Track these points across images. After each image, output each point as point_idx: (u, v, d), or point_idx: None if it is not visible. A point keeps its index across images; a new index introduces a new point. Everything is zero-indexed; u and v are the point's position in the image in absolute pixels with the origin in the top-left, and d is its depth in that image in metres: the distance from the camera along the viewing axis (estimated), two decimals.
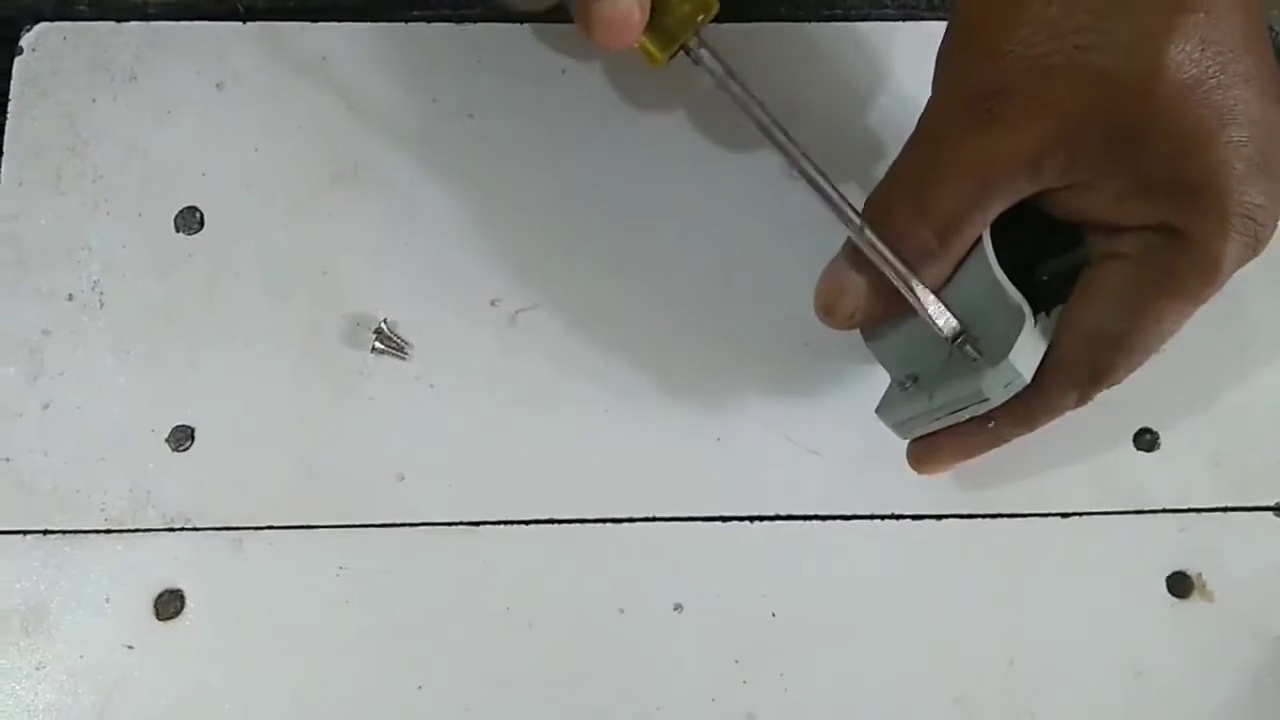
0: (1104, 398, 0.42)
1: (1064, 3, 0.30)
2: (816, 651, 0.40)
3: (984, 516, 0.41)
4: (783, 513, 0.41)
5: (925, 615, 0.40)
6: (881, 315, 0.36)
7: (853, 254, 0.35)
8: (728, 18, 0.46)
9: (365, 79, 0.45)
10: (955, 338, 0.34)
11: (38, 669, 0.39)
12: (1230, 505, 0.41)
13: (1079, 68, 0.30)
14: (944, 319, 0.34)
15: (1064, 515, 0.41)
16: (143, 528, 0.40)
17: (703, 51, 0.34)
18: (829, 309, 0.36)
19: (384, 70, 0.45)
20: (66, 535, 0.40)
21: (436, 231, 0.43)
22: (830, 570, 0.41)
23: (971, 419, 0.35)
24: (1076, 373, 0.34)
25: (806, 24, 0.46)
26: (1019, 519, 0.41)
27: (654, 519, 0.41)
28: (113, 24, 0.45)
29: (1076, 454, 0.42)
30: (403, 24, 0.45)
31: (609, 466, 0.41)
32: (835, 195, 0.33)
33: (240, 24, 0.45)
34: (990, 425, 0.35)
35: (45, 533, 0.40)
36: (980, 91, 0.31)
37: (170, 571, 0.40)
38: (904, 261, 0.33)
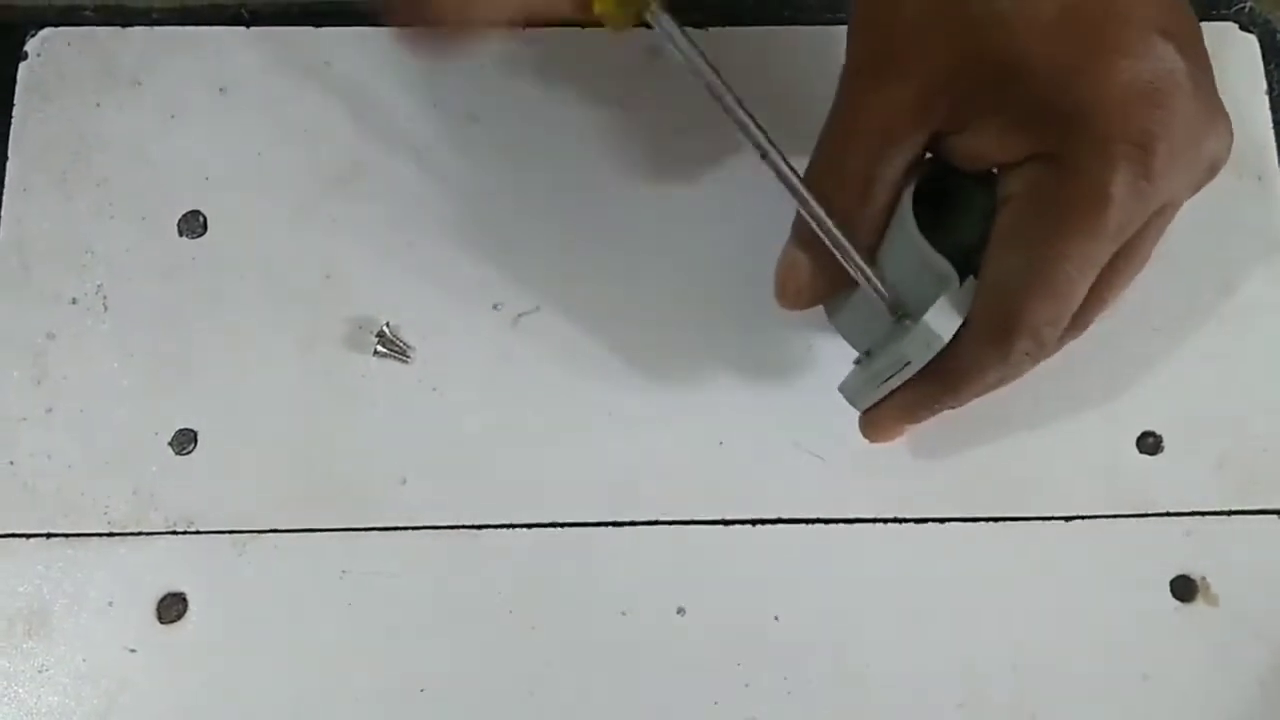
0: (1107, 401, 0.42)
1: None
2: (819, 655, 0.40)
3: (987, 520, 0.41)
4: (785, 516, 0.41)
5: (929, 619, 0.40)
6: (829, 292, 0.37)
7: (799, 235, 0.36)
8: (729, 21, 0.46)
9: (368, 83, 0.45)
10: (894, 309, 0.35)
11: (40, 672, 0.39)
12: (1235, 508, 0.41)
13: (953, 17, 0.31)
14: (881, 289, 0.35)
15: (1067, 519, 0.41)
16: (145, 531, 0.40)
17: (661, 15, 0.33)
18: (780, 289, 0.37)
19: (386, 74, 0.45)
20: (69, 538, 0.40)
21: (438, 235, 0.43)
22: (833, 574, 0.41)
23: (905, 382, 0.36)
24: (987, 327, 0.33)
25: (808, 27, 0.46)
26: (1022, 522, 0.41)
27: (656, 522, 0.41)
28: (117, 29, 0.45)
29: (1080, 457, 0.42)
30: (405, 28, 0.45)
31: (611, 470, 0.41)
32: (786, 168, 0.33)
33: (244, 29, 0.45)
34: (918, 382, 0.35)
35: (48, 536, 0.40)
36: (870, 54, 0.33)
37: (173, 575, 0.40)
38: (840, 230, 0.34)
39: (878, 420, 0.38)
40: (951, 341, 0.33)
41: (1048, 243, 0.31)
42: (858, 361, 0.39)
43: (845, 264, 0.34)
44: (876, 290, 0.35)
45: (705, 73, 0.34)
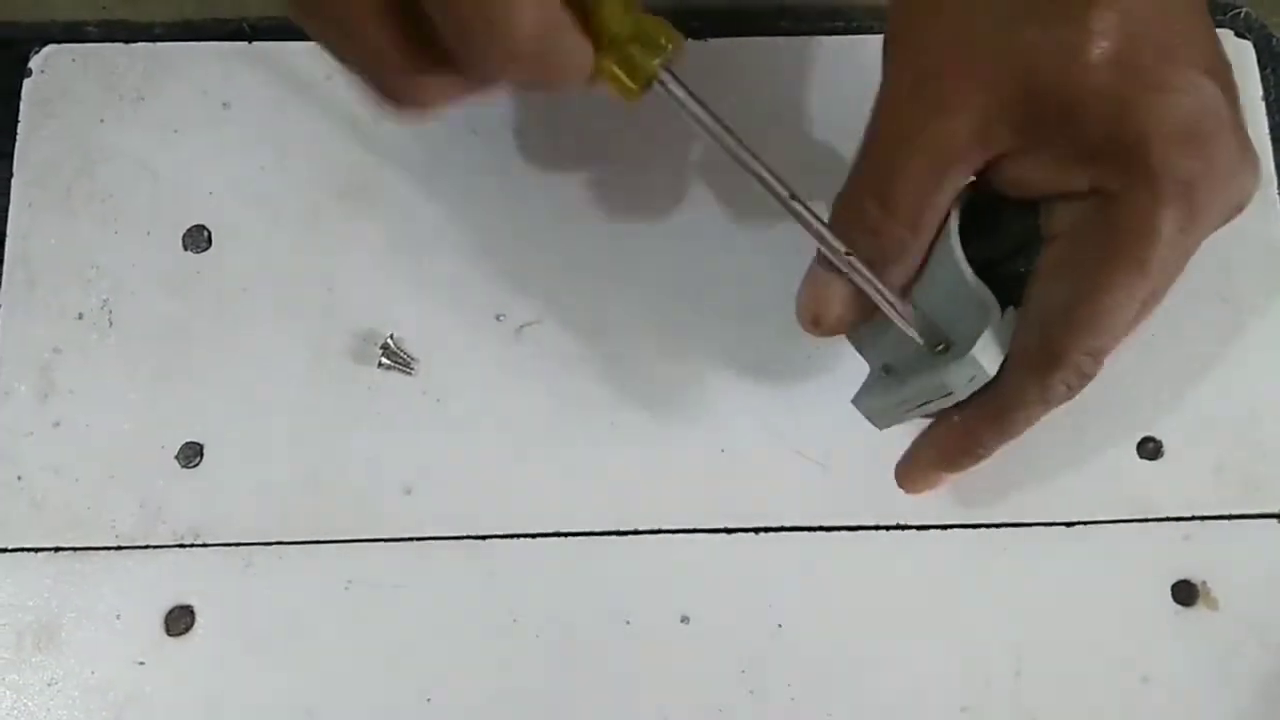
0: (1107, 406, 0.42)
1: None
2: (823, 662, 0.40)
3: (989, 526, 0.41)
4: (788, 524, 0.41)
5: (931, 625, 0.40)
6: (859, 318, 0.36)
7: (826, 260, 0.35)
8: (729, 32, 0.46)
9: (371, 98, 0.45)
10: (929, 338, 0.34)
11: (49, 685, 0.39)
12: (1234, 513, 0.42)
13: (1006, 43, 0.31)
14: (919, 330, 0.34)
15: (1069, 524, 0.41)
16: (153, 544, 0.41)
17: (672, 84, 0.33)
18: (816, 319, 0.36)
19: None
20: (77, 552, 0.41)
21: (441, 247, 0.43)
22: (836, 581, 0.41)
23: (941, 412, 0.35)
24: (1033, 360, 0.33)
25: (807, 37, 0.47)
26: (1024, 528, 0.41)
27: (660, 531, 0.41)
28: (121, 46, 0.46)
29: (1080, 463, 0.42)
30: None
31: (615, 479, 0.42)
32: (810, 217, 0.33)
33: (246, 44, 0.46)
34: (956, 420, 0.35)
35: (56, 550, 0.41)
36: (919, 80, 0.32)
37: (180, 587, 0.40)
38: (881, 262, 0.33)
39: (917, 471, 0.38)
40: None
41: (1097, 279, 0.32)
42: (875, 375, 0.38)
43: (879, 302, 0.34)
44: (911, 326, 0.34)
45: (720, 134, 0.33)
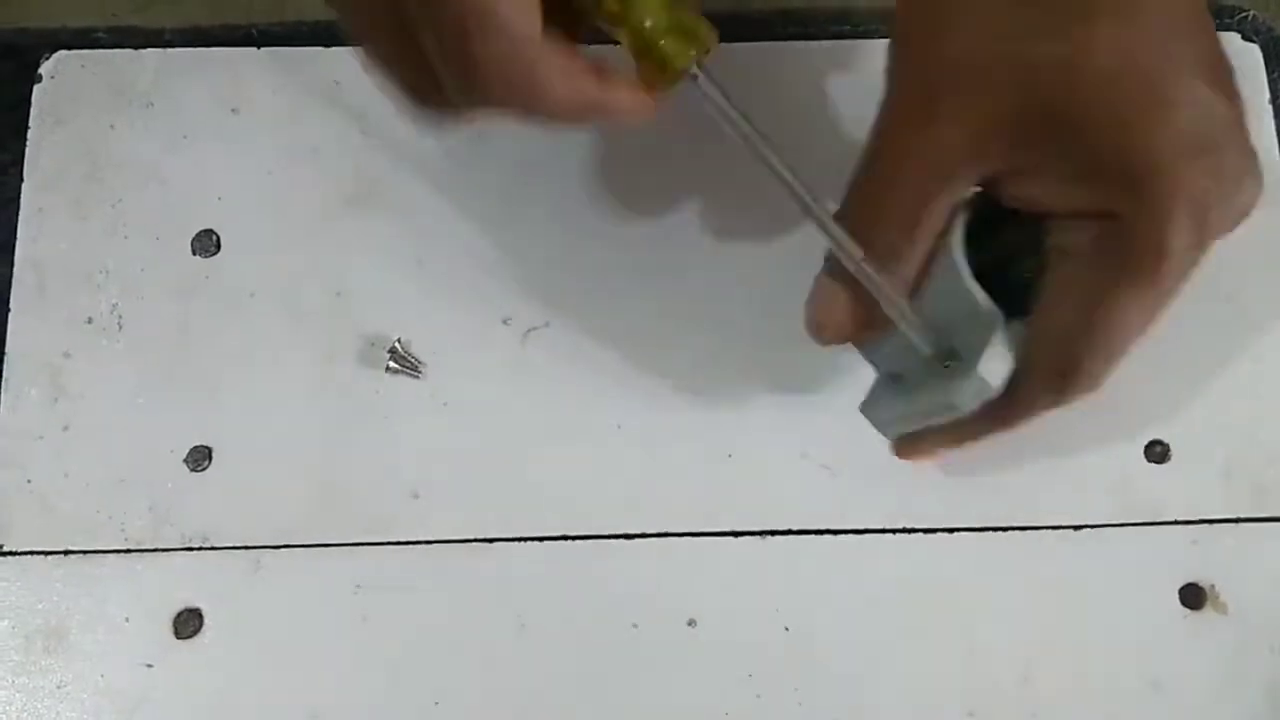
0: (1114, 410, 0.42)
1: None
2: (830, 665, 0.40)
3: (996, 529, 0.41)
4: (795, 527, 0.41)
5: (938, 628, 0.40)
6: (870, 327, 0.36)
7: (837, 268, 0.35)
8: (738, 38, 0.46)
9: (377, 102, 0.45)
10: (937, 350, 0.34)
11: (59, 688, 0.40)
12: (1243, 516, 0.41)
13: (1008, 56, 0.31)
14: (928, 341, 0.34)
15: (1076, 528, 0.41)
16: (161, 547, 0.41)
17: (703, 80, 0.33)
18: (820, 327, 0.36)
19: None
20: (87, 555, 0.41)
21: (449, 252, 0.44)
22: (843, 584, 0.41)
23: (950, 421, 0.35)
24: (1045, 375, 0.33)
25: (817, 42, 0.47)
26: (1031, 531, 0.41)
27: (667, 534, 0.41)
28: (130, 52, 0.46)
29: (1088, 466, 0.42)
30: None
31: (622, 483, 0.42)
32: (833, 227, 0.33)
33: (254, 50, 0.46)
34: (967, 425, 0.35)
35: (66, 553, 0.41)
36: (920, 92, 0.32)
37: (189, 591, 0.41)
38: (881, 273, 0.33)
39: (919, 446, 0.38)
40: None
41: (1109, 294, 0.32)
42: (883, 383, 0.38)
43: (892, 315, 0.34)
44: (922, 337, 0.34)
45: (749, 135, 0.34)
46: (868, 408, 0.38)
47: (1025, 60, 0.31)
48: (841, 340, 0.36)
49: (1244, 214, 0.33)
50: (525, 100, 0.30)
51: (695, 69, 0.32)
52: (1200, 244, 0.31)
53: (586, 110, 0.31)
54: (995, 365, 0.33)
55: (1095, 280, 0.32)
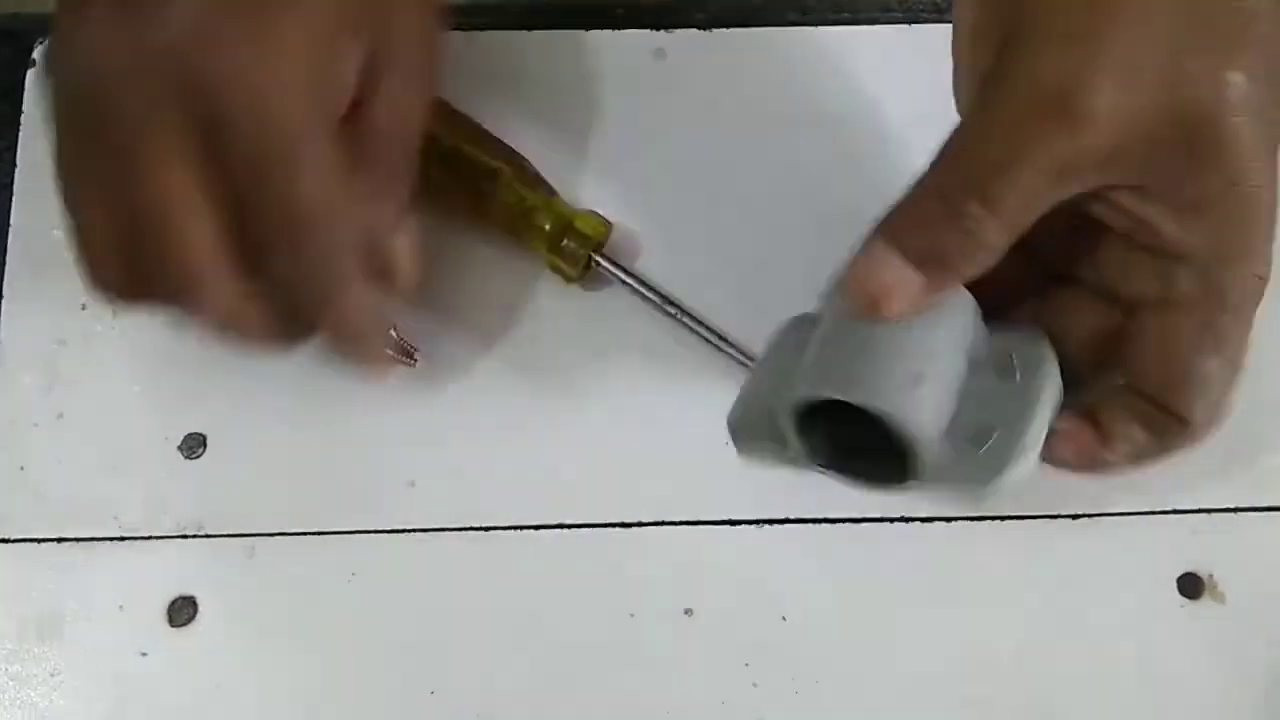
0: None
1: (1163, 4, 0.30)
2: (827, 654, 0.40)
3: (993, 519, 0.41)
4: (792, 516, 0.41)
5: (936, 617, 0.40)
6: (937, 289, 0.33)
7: (893, 232, 0.32)
8: (737, 23, 0.46)
9: None
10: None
11: (52, 676, 0.39)
12: (1241, 506, 0.41)
13: (1168, 65, 0.30)
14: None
15: (1074, 517, 0.41)
16: (155, 535, 0.41)
17: (608, 266, 0.42)
18: (876, 303, 0.32)
19: None
20: (80, 543, 0.41)
21: (444, 236, 0.43)
22: (840, 573, 0.41)
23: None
24: (1202, 421, 0.34)
25: (815, 28, 0.46)
26: (1028, 520, 0.41)
27: (664, 523, 0.41)
28: None
29: None
30: None
31: (619, 471, 0.42)
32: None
33: None
34: None
35: (59, 540, 0.41)
36: (1058, 85, 0.30)
37: (183, 578, 0.40)
38: (967, 261, 0.32)
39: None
40: None
41: (1225, 333, 0.33)
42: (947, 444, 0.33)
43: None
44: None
45: (660, 304, 0.42)
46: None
47: (1185, 73, 0.30)
48: (914, 308, 0.33)
49: None
50: (318, 285, 0.33)
51: (595, 263, 0.42)
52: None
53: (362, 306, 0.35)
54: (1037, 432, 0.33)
55: (1211, 320, 0.33)
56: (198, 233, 0.31)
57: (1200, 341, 0.33)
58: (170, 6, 0.30)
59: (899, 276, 0.32)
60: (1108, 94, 0.30)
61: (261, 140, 0.30)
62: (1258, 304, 0.33)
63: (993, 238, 0.31)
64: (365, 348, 0.37)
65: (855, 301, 0.33)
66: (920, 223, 0.32)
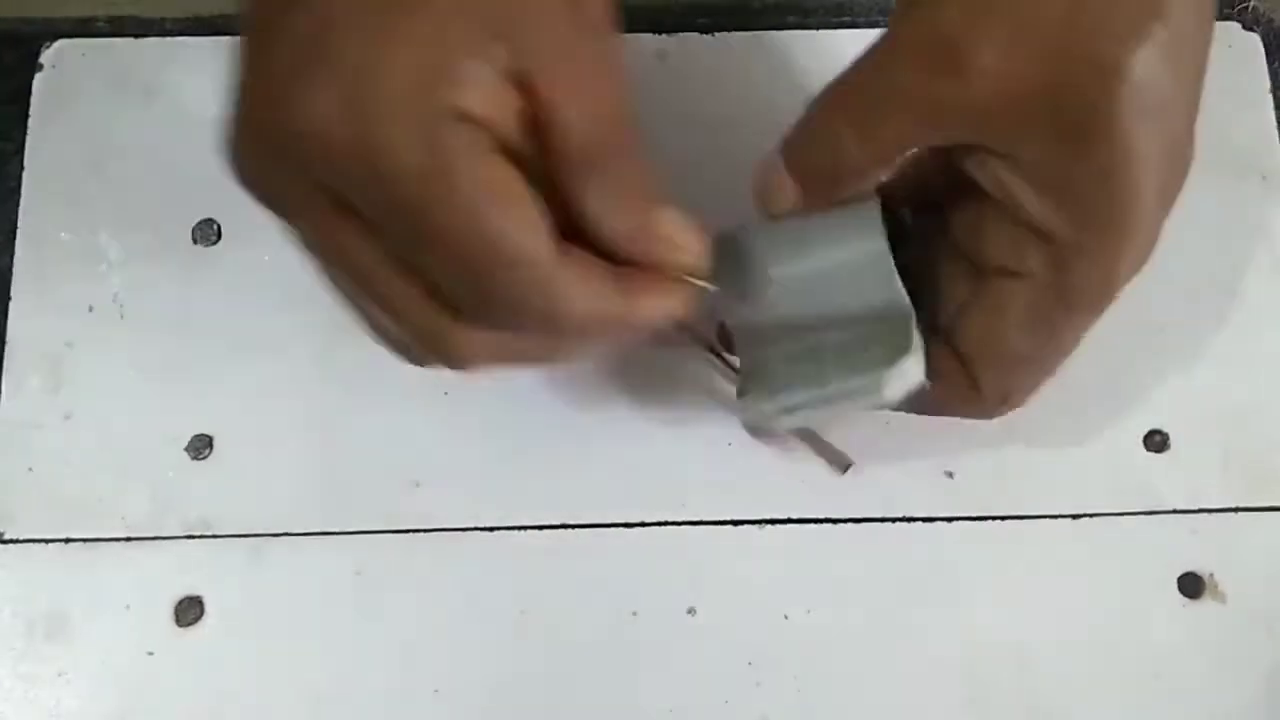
0: (1113, 399, 0.42)
1: None
2: (829, 653, 0.40)
3: (994, 519, 0.41)
4: (794, 516, 0.41)
5: (937, 617, 0.41)
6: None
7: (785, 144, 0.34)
8: (736, 26, 0.46)
9: None
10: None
11: (59, 676, 0.40)
12: (1241, 505, 0.41)
13: (1058, 39, 0.29)
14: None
15: (1074, 517, 0.41)
16: (163, 535, 0.41)
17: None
18: (763, 200, 0.35)
19: None
20: (87, 543, 0.41)
21: None
22: (842, 573, 0.41)
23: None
24: (991, 396, 0.34)
25: (816, 31, 0.47)
26: (1029, 520, 0.41)
27: (667, 523, 0.41)
28: (131, 40, 0.46)
29: (1086, 455, 0.42)
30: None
31: (622, 471, 0.42)
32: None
33: None
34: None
35: (67, 541, 0.41)
36: (948, 34, 0.30)
37: (190, 579, 0.41)
38: (838, 184, 0.33)
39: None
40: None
41: (1063, 321, 0.32)
42: (757, 366, 0.37)
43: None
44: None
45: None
46: (752, 396, 0.36)
47: (1076, 51, 0.29)
48: (793, 210, 0.34)
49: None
50: (544, 322, 0.28)
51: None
52: (1140, 267, 0.32)
53: (610, 322, 0.29)
54: (913, 364, 0.33)
55: (1047, 306, 0.32)
56: (420, 311, 0.29)
57: (1024, 321, 0.33)
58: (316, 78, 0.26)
59: (781, 181, 0.34)
60: (991, 52, 0.29)
61: (417, 215, 0.26)
62: (1105, 305, 0.32)
63: (861, 163, 0.33)
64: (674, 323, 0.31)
65: (753, 195, 0.35)
66: (803, 140, 0.33)
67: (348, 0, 0.26)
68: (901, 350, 0.33)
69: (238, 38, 0.45)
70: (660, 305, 0.30)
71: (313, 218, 0.28)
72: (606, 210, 0.28)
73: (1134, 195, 0.30)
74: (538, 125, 0.27)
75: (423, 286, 0.28)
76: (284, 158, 0.27)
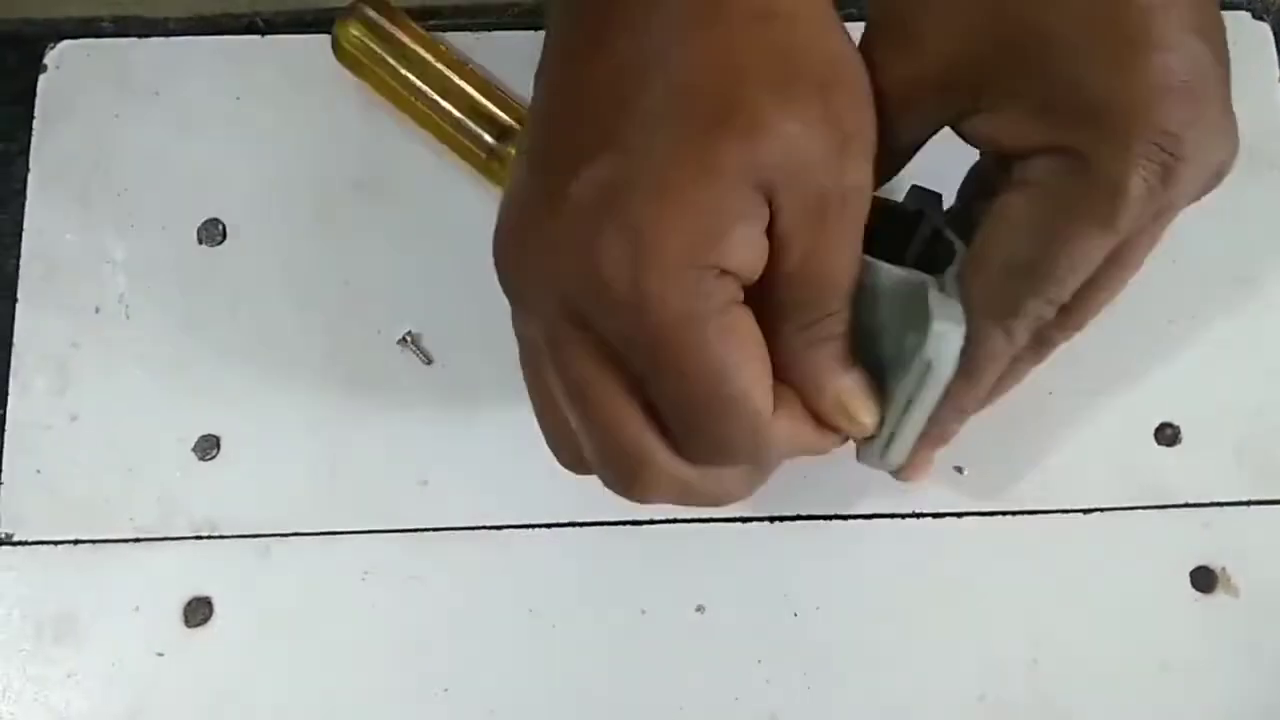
0: (1125, 392, 0.42)
1: None
2: (839, 651, 0.40)
3: (1005, 514, 0.41)
4: (803, 513, 0.41)
5: (948, 613, 0.40)
6: None
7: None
8: None
9: None
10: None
11: (69, 677, 0.40)
12: (1254, 499, 0.41)
13: None
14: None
15: (1086, 511, 0.41)
16: (171, 536, 0.41)
17: None
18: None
19: None
20: (96, 544, 0.41)
21: (458, 239, 0.43)
22: (851, 569, 0.41)
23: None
24: (989, 307, 0.32)
25: None
26: (1041, 515, 0.41)
27: (675, 521, 0.41)
28: (135, 41, 0.46)
29: (1098, 450, 0.42)
30: None
31: None
32: None
33: (259, 38, 0.46)
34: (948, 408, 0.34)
35: (75, 542, 0.41)
36: (894, 13, 0.31)
37: (198, 579, 0.41)
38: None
39: (914, 462, 0.36)
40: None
41: (1062, 230, 0.31)
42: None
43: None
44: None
45: None
46: (868, 453, 0.35)
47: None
48: None
49: (1216, 177, 0.32)
50: (747, 460, 0.32)
51: None
52: (1159, 196, 0.30)
53: (798, 454, 0.33)
54: (950, 313, 0.32)
55: (1045, 213, 0.31)
56: (635, 433, 0.31)
57: (1023, 224, 0.31)
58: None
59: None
60: (930, 19, 0.30)
61: (656, 347, 0.29)
62: (1103, 225, 0.30)
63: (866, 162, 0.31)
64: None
65: None
66: None
67: (642, 163, 0.28)
68: (928, 320, 0.32)
69: (243, 38, 0.46)
70: (829, 446, 0.33)
71: (551, 322, 0.30)
72: (803, 362, 0.31)
73: (1110, 94, 0.29)
74: (773, 265, 0.29)
75: (642, 407, 0.30)
76: (551, 278, 0.30)
